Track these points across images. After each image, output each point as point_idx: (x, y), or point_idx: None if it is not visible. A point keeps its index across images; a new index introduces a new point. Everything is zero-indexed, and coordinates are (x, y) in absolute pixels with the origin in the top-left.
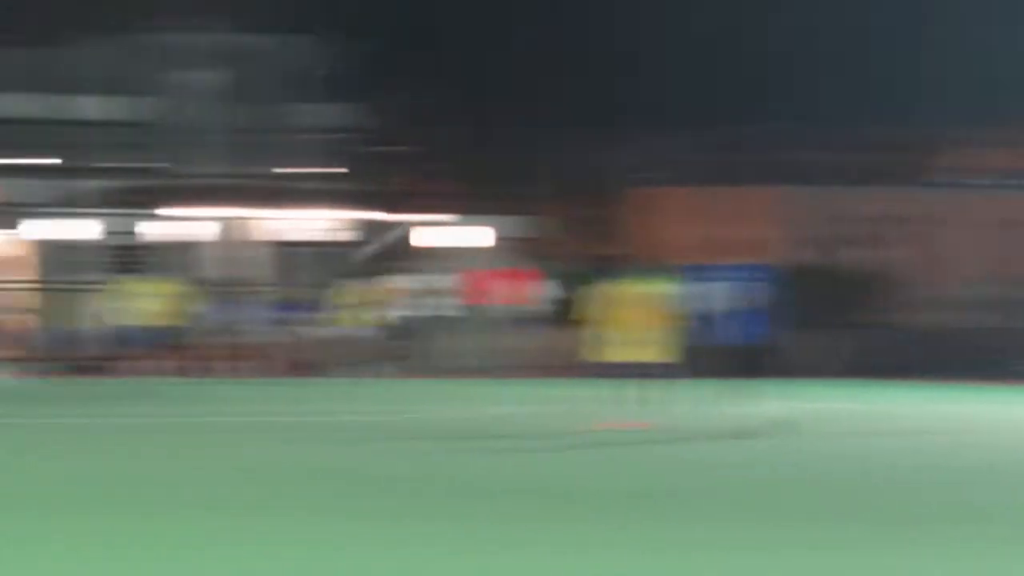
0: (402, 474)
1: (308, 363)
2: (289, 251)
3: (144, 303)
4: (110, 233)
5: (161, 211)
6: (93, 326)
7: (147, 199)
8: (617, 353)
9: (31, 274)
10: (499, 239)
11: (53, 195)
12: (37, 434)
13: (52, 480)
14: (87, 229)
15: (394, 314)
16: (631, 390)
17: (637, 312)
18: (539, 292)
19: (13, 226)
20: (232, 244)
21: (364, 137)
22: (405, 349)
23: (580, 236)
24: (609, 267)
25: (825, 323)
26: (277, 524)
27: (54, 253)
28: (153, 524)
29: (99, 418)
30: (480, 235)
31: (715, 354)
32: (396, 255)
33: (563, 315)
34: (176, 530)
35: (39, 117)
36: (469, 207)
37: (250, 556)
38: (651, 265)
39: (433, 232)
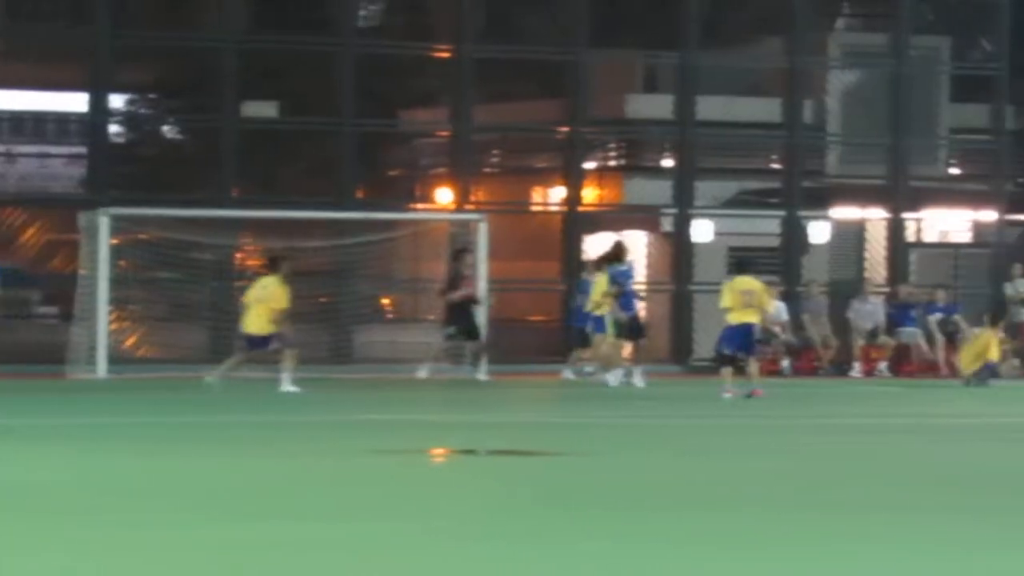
0: None
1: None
2: (929, 252)
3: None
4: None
5: (805, 213)
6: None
7: (786, 200)
8: None
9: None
10: None
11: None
12: None
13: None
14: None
15: None
16: None
17: None
18: None
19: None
20: (867, 245)
21: (1005, 139)
22: None
23: None
24: None
25: None
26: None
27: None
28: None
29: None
30: None
31: None
32: None
33: None
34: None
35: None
36: None
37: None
38: None
39: None
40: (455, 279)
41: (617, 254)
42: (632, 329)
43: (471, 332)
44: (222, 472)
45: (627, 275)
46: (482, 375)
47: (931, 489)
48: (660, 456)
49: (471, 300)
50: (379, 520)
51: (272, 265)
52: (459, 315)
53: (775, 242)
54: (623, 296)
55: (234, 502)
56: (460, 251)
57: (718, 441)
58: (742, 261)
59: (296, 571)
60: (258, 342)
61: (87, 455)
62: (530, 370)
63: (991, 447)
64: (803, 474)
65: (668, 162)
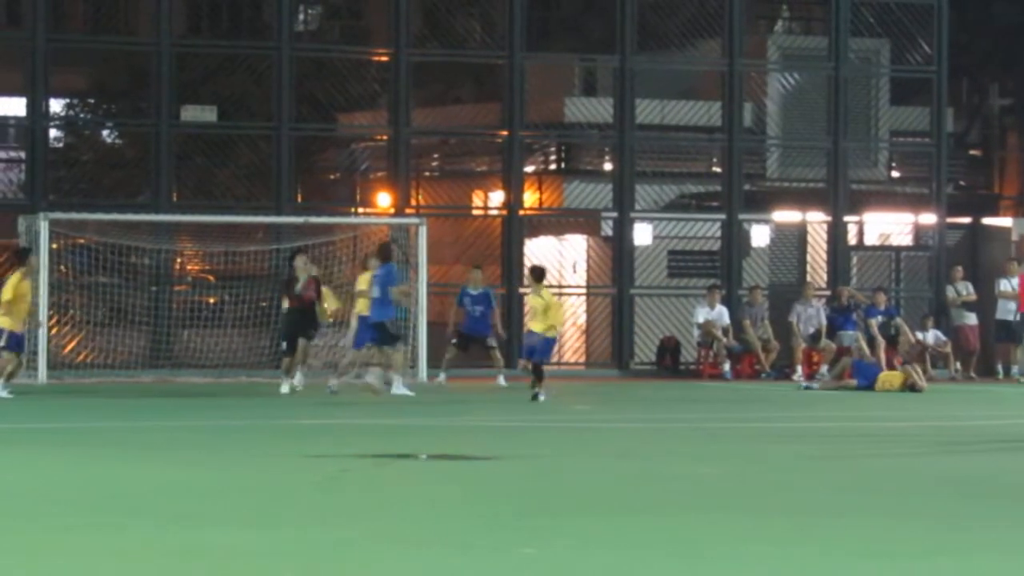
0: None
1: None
2: (869, 255)
3: None
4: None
5: (746, 216)
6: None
7: (726, 203)
8: None
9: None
10: None
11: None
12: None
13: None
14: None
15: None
16: None
17: None
18: None
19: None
20: (808, 248)
21: (944, 142)
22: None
23: None
24: None
25: None
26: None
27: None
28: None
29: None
30: None
31: None
32: (989, 258)
33: None
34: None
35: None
36: None
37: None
38: None
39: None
40: (290, 283)
41: (382, 254)
42: (384, 334)
43: (291, 340)
44: (158, 477)
45: (388, 278)
46: (285, 387)
47: (856, 494)
48: (597, 459)
49: (307, 305)
50: (310, 525)
51: (19, 258)
52: (289, 321)
53: (715, 245)
54: (379, 298)
55: (171, 507)
56: (294, 253)
57: (653, 446)
58: (537, 270)
59: None
60: (19, 339)
61: (26, 460)
62: (470, 375)
63: (922, 451)
64: (735, 479)
65: (608, 166)
